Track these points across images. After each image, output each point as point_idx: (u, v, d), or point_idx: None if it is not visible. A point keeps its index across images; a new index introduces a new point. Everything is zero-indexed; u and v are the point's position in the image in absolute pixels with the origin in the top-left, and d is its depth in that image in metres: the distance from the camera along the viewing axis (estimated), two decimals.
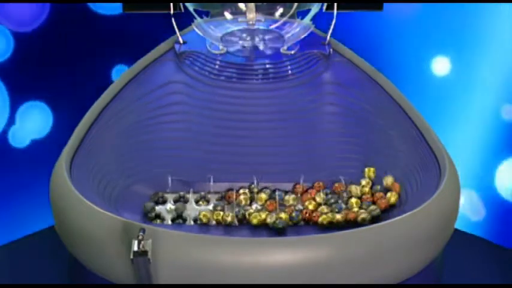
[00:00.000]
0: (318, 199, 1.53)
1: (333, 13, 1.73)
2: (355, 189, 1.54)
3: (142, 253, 1.26)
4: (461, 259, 1.62)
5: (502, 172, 2.04)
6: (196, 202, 1.53)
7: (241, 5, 1.72)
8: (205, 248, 1.29)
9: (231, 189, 1.55)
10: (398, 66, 2.14)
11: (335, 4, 1.73)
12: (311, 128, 1.64)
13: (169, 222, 1.49)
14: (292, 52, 1.72)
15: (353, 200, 1.53)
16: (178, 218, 1.50)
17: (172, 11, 1.73)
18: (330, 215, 1.47)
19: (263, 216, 1.47)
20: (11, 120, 2.05)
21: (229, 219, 1.47)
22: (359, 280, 1.32)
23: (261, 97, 1.67)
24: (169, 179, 1.56)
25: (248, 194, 1.54)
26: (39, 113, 2.07)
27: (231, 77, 1.68)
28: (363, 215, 1.47)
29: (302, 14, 1.74)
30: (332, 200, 1.53)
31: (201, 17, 1.74)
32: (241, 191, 1.55)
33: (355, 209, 1.51)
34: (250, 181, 1.56)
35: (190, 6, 1.74)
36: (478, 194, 2.04)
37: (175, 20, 1.73)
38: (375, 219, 1.47)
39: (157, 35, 1.80)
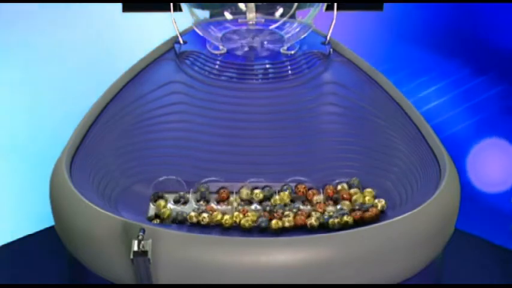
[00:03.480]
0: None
1: (333, 13, 1.73)
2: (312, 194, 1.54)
3: (142, 253, 1.26)
4: (461, 259, 1.62)
5: None
6: (196, 202, 1.53)
7: (241, 5, 1.73)
8: (205, 248, 1.29)
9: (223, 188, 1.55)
10: (398, 65, 2.15)
11: (335, 4, 1.73)
12: (311, 128, 1.64)
13: (169, 222, 1.49)
14: (292, 52, 1.72)
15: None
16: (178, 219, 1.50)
17: (172, 11, 1.73)
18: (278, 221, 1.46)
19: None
20: None
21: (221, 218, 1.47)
22: (359, 280, 1.32)
23: (261, 97, 1.67)
24: (164, 178, 1.56)
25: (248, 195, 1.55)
26: None
27: (231, 77, 1.68)
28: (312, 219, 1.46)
29: (302, 14, 1.75)
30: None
31: (201, 17, 1.74)
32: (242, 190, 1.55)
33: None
34: (250, 181, 1.56)
35: (190, 7, 1.74)
36: None
37: (175, 20, 1.73)
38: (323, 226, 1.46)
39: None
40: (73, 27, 2.13)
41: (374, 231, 1.33)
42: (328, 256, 1.30)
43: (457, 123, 2.16)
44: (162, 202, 1.51)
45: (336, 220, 1.45)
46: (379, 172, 1.57)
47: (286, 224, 1.45)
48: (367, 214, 1.47)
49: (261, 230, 1.45)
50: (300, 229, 1.45)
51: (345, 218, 1.46)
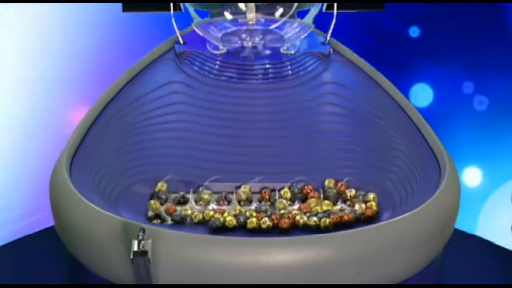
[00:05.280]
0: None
1: (333, 13, 1.73)
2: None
3: (142, 253, 1.26)
4: (461, 259, 1.62)
5: None
6: (196, 202, 1.53)
7: (241, 5, 1.73)
8: (205, 248, 1.29)
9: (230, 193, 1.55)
10: (398, 66, 2.15)
11: (335, 4, 1.73)
12: (311, 128, 1.64)
13: (169, 222, 1.49)
14: (292, 52, 1.72)
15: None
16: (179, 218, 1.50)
17: (172, 11, 1.73)
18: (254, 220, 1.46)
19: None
20: None
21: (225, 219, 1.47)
22: (359, 280, 1.32)
23: (261, 97, 1.67)
24: (169, 179, 1.56)
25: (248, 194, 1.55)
26: None
27: (231, 77, 1.68)
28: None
29: (302, 14, 1.75)
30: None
31: (201, 17, 1.74)
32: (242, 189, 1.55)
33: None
34: (250, 181, 1.56)
35: (190, 6, 1.74)
36: None
37: (175, 20, 1.73)
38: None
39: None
40: (72, 27, 2.13)
41: (374, 231, 1.33)
42: (328, 256, 1.30)
43: (456, 123, 2.16)
44: (156, 203, 1.51)
45: (315, 220, 1.45)
46: (379, 172, 1.57)
47: (286, 221, 1.45)
48: (350, 216, 1.47)
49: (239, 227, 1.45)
50: (298, 229, 1.45)
51: (326, 220, 1.46)
